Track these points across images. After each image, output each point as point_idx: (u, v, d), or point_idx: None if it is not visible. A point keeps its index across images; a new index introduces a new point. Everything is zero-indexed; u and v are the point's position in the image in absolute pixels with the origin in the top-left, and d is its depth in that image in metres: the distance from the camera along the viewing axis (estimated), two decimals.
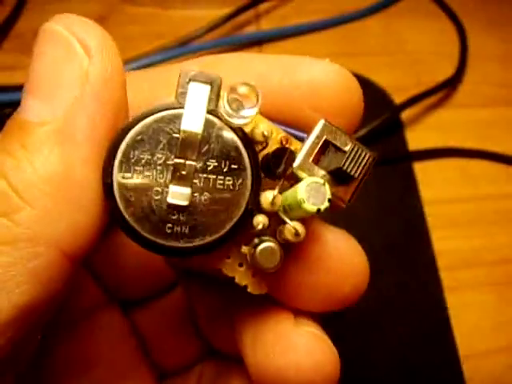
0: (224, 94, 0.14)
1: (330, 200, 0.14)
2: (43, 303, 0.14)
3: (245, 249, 0.16)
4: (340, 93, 0.16)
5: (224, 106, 0.14)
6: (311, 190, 0.14)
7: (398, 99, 0.41)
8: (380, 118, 0.39)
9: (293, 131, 0.16)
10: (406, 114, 0.41)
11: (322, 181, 0.14)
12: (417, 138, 0.40)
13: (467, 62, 0.44)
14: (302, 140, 0.16)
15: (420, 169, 0.39)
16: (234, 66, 0.17)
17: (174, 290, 0.23)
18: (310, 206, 0.14)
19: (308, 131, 0.16)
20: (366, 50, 0.44)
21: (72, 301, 0.21)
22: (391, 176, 0.38)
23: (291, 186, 0.15)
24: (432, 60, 0.44)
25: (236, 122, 0.15)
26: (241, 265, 0.16)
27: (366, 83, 0.42)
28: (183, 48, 0.41)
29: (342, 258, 0.17)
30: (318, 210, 0.14)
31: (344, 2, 0.46)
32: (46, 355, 0.20)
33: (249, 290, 0.17)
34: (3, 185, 0.14)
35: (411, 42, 0.45)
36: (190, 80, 0.15)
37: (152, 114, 0.15)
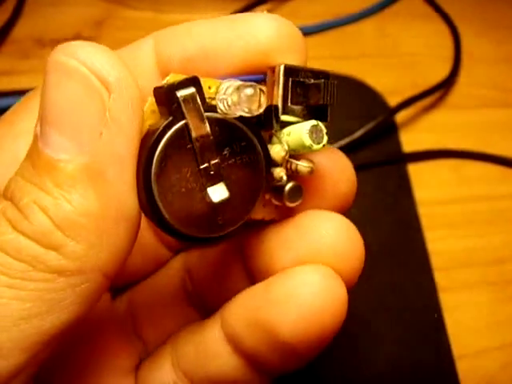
0: (229, 89, 0.16)
1: (327, 133, 0.17)
2: (82, 317, 0.16)
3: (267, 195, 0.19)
4: (280, 36, 0.18)
5: (226, 103, 0.16)
6: (313, 134, 0.17)
7: (393, 101, 0.41)
8: (375, 121, 0.39)
9: (250, 77, 0.18)
10: (400, 116, 0.41)
11: (315, 122, 0.17)
12: (411, 140, 0.40)
13: (461, 64, 0.44)
14: (262, 80, 0.18)
15: (414, 170, 0.39)
16: (202, 33, 0.18)
17: (164, 267, 0.24)
18: (318, 146, 0.17)
19: (264, 72, 0.18)
20: (360, 52, 0.45)
21: None
22: (386, 177, 0.38)
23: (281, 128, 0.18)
24: (426, 62, 0.45)
25: (234, 113, 0.17)
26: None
27: (360, 86, 0.42)
28: None
29: (333, 166, 0.20)
30: (323, 145, 0.17)
31: (338, 6, 0.46)
32: None
33: (265, 218, 0.19)
34: (47, 222, 0.14)
35: (405, 45, 0.45)
36: (175, 91, 0.16)
37: (159, 139, 0.16)
